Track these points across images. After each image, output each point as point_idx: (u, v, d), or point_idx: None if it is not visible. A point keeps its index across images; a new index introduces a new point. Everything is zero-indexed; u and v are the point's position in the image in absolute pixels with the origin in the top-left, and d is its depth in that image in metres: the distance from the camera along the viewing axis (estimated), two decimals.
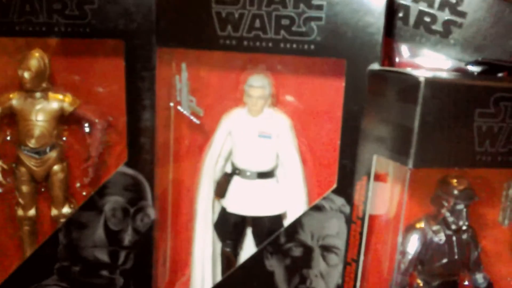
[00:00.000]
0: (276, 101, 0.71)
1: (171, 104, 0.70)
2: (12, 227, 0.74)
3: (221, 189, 0.72)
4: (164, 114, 0.69)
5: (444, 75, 0.64)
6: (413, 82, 0.56)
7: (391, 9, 0.64)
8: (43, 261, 0.71)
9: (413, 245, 0.65)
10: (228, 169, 0.73)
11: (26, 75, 0.66)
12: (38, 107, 0.68)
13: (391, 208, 0.66)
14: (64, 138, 0.72)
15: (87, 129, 0.72)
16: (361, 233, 0.65)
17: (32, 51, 0.67)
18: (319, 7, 0.63)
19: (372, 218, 0.65)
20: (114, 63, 0.68)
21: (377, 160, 0.63)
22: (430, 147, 0.56)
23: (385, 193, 0.66)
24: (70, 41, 0.67)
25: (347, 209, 0.67)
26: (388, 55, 0.67)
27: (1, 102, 0.68)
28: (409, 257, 0.65)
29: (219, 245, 0.75)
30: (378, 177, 0.64)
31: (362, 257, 0.65)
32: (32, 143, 0.69)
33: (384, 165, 0.64)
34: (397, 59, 0.70)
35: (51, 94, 0.69)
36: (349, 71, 0.64)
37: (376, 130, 0.62)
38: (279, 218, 0.73)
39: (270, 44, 0.64)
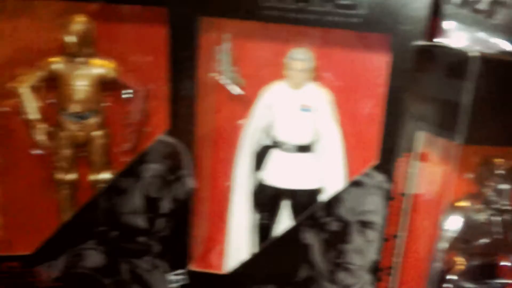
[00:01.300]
0: (317, 75, 0.70)
1: (213, 74, 0.70)
2: (49, 191, 0.75)
3: (259, 161, 0.73)
4: (204, 84, 0.69)
5: (492, 52, 0.63)
6: (463, 57, 0.55)
7: None
8: (82, 225, 0.72)
9: (455, 223, 0.65)
10: (267, 142, 0.73)
11: (70, 39, 0.66)
12: (80, 72, 0.69)
13: (434, 186, 0.65)
14: (105, 104, 0.72)
15: (126, 96, 0.72)
16: (401, 210, 0.65)
17: (76, 16, 0.67)
18: None
19: (413, 195, 0.65)
20: (156, 31, 0.67)
21: (420, 137, 0.62)
22: (480, 124, 0.55)
23: (427, 170, 0.65)
24: (111, 7, 0.67)
25: (387, 185, 0.66)
26: (432, 33, 0.65)
27: (42, 66, 0.68)
28: (451, 235, 0.65)
29: (255, 216, 0.75)
30: (420, 154, 0.64)
31: (402, 234, 0.65)
32: (73, 108, 0.69)
33: (427, 142, 0.63)
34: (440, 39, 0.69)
35: (93, 60, 0.69)
36: (395, 46, 0.63)
37: (421, 106, 0.61)
38: (316, 192, 0.73)
39: (314, 17, 0.63)
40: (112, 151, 0.74)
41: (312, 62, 0.68)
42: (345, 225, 0.70)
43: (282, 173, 0.72)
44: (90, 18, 0.67)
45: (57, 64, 0.68)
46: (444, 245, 0.66)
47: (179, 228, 0.74)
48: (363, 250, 0.70)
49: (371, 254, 0.69)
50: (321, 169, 0.72)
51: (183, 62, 0.66)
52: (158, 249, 0.74)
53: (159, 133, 0.69)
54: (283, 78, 0.69)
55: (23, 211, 0.75)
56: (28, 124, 0.70)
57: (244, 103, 0.71)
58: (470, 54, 0.54)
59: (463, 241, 0.66)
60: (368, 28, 0.63)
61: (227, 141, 0.74)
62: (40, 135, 0.70)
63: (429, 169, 0.64)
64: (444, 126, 0.58)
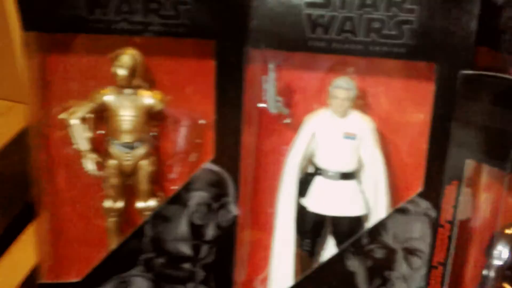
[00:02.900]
0: (361, 103, 0.71)
1: (258, 104, 0.71)
2: (98, 219, 0.77)
3: (303, 188, 0.73)
4: (250, 113, 0.71)
5: None
6: None
7: (490, 15, 0.63)
8: (129, 252, 0.74)
9: (503, 251, 0.65)
10: (310, 169, 0.74)
11: (121, 72, 0.68)
12: (129, 103, 0.71)
13: (482, 213, 0.65)
14: (153, 134, 0.74)
15: (173, 126, 0.74)
16: (449, 237, 0.65)
17: (126, 49, 0.69)
18: (411, 11, 0.63)
19: (461, 222, 0.65)
20: (203, 63, 0.69)
21: (467, 164, 0.62)
22: None
23: (475, 197, 0.65)
24: (160, 40, 0.69)
25: (433, 212, 0.67)
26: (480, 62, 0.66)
27: (94, 98, 0.71)
28: (499, 263, 0.65)
29: (298, 243, 0.76)
30: (467, 181, 0.64)
31: (449, 261, 0.65)
32: (122, 138, 0.71)
33: (474, 170, 0.64)
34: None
35: (142, 91, 0.71)
36: (440, 75, 0.64)
37: (468, 134, 0.61)
38: (360, 220, 0.73)
39: (359, 47, 0.65)
40: (159, 179, 0.76)
41: (355, 90, 0.69)
42: (390, 252, 0.70)
43: (325, 200, 0.73)
44: (139, 51, 0.70)
45: (107, 95, 0.71)
46: (492, 273, 0.66)
47: (222, 255, 0.75)
48: (409, 277, 0.70)
49: (417, 281, 0.69)
50: (364, 196, 0.73)
51: (229, 93, 0.68)
52: (202, 276, 0.75)
53: (205, 162, 0.71)
54: (327, 106, 0.70)
55: (72, 239, 0.76)
56: (79, 154, 0.72)
57: (289, 131, 0.72)
58: None
59: (509, 269, 0.66)
60: (413, 57, 0.64)
61: (271, 169, 0.75)
62: (90, 165, 0.72)
63: (477, 196, 0.65)
64: (493, 155, 0.58)
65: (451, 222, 0.64)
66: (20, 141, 1.03)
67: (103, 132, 0.73)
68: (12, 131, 1.07)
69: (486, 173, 0.63)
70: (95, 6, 0.65)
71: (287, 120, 0.72)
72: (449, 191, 0.64)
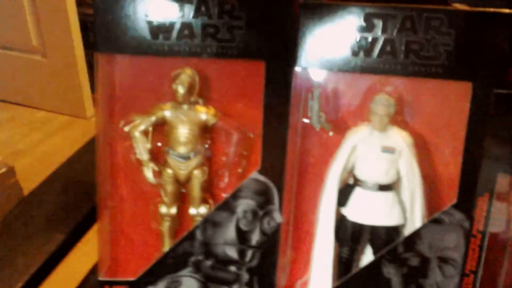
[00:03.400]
0: (400, 120, 0.76)
1: (304, 120, 0.77)
2: (154, 223, 0.84)
3: (343, 199, 0.79)
4: (295, 128, 0.77)
5: None
6: None
7: None
8: (181, 254, 0.80)
9: None
10: (351, 181, 0.79)
11: (180, 89, 0.76)
12: (186, 117, 0.78)
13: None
14: (206, 146, 0.81)
15: (224, 139, 0.80)
16: (480, 246, 0.69)
17: (186, 69, 0.76)
18: (449, 34, 0.68)
19: (492, 234, 0.69)
20: (254, 81, 0.76)
21: (500, 178, 0.67)
22: None
23: (506, 210, 0.69)
24: (215, 61, 0.76)
25: (466, 223, 0.71)
26: None
27: (155, 112, 0.78)
28: None
29: (338, 250, 0.81)
30: (499, 195, 0.68)
31: (480, 270, 0.69)
32: (179, 149, 0.78)
33: (507, 183, 0.68)
34: None
35: (198, 107, 0.78)
36: (475, 94, 0.69)
37: (501, 149, 0.66)
38: (397, 229, 0.78)
39: (399, 67, 0.70)
40: (210, 188, 0.82)
41: (394, 107, 0.74)
42: (425, 261, 0.74)
43: (363, 210, 0.78)
44: (195, 71, 0.77)
45: (167, 110, 0.78)
46: None
47: (266, 259, 0.80)
48: (442, 285, 0.74)
49: None
50: (401, 207, 0.77)
51: (277, 109, 0.75)
52: (246, 279, 0.81)
53: (252, 172, 0.77)
54: (368, 122, 0.76)
55: (130, 241, 0.83)
56: (139, 163, 0.79)
57: (331, 145, 0.78)
58: None
59: None
60: (450, 76, 0.70)
61: (313, 179, 0.80)
62: (148, 173, 0.80)
63: (509, 209, 0.69)
64: None
65: (482, 233, 0.68)
66: (87, 150, 1.13)
67: (160, 144, 0.81)
68: (74, 143, 1.17)
69: None
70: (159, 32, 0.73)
71: (329, 134, 0.78)
72: (482, 202, 0.68)
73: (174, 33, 0.73)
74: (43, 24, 1.78)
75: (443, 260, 0.74)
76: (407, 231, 0.76)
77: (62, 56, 1.76)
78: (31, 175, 1.15)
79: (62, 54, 1.76)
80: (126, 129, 0.79)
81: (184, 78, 0.76)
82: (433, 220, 0.73)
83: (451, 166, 0.74)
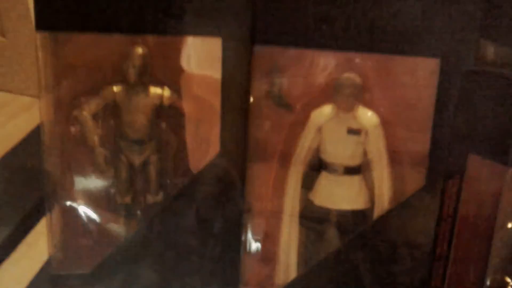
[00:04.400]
0: (365, 99, 0.72)
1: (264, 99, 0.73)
2: (107, 212, 0.79)
3: (308, 182, 0.75)
4: (256, 108, 0.72)
5: None
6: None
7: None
8: (138, 244, 0.76)
9: (504, 244, 0.66)
10: (316, 164, 0.75)
11: (131, 69, 0.70)
12: (137, 99, 0.72)
13: (483, 208, 0.66)
14: (160, 130, 0.75)
15: (181, 122, 0.75)
16: (450, 231, 0.66)
17: (136, 47, 0.71)
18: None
19: (462, 217, 0.66)
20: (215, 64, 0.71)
21: (469, 159, 0.63)
22: None
23: (476, 192, 0.66)
24: (168, 39, 0.70)
25: (435, 207, 0.68)
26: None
27: (105, 95, 0.72)
28: (500, 256, 0.66)
29: (304, 235, 0.77)
30: (469, 176, 0.65)
31: (451, 255, 0.67)
32: (133, 134, 0.73)
33: (476, 164, 0.65)
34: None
35: (151, 88, 0.73)
36: (443, 71, 0.65)
37: (470, 130, 0.62)
38: (364, 213, 0.75)
39: (365, 43, 0.66)
40: (167, 174, 0.77)
41: (360, 87, 0.70)
42: (394, 246, 0.72)
43: (330, 194, 0.74)
44: (147, 50, 0.71)
45: (117, 92, 0.72)
46: (493, 266, 0.67)
47: (230, 247, 0.77)
48: (412, 270, 0.71)
49: (421, 274, 0.71)
50: (368, 190, 0.74)
51: (235, 89, 0.70)
52: (210, 268, 0.77)
53: (211, 157, 0.73)
54: (333, 102, 0.71)
55: (81, 233, 0.78)
56: (90, 149, 0.74)
57: (295, 126, 0.74)
58: None
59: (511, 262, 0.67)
60: (415, 53, 0.65)
61: (277, 163, 0.76)
62: (100, 159, 0.74)
63: (479, 191, 0.66)
64: (495, 150, 0.59)
65: (452, 217, 0.65)
66: (34, 137, 1.06)
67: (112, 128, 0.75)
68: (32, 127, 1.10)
69: (488, 168, 0.64)
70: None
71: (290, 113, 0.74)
72: (451, 185, 0.65)
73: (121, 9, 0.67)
74: (1, 3, 1.70)
75: (413, 245, 0.71)
76: (375, 215, 0.73)
77: (22, 36, 1.69)
78: None
79: (22, 33, 1.69)
80: (75, 113, 0.73)
81: (136, 57, 0.71)
82: (401, 204, 0.70)
83: (419, 148, 0.71)
